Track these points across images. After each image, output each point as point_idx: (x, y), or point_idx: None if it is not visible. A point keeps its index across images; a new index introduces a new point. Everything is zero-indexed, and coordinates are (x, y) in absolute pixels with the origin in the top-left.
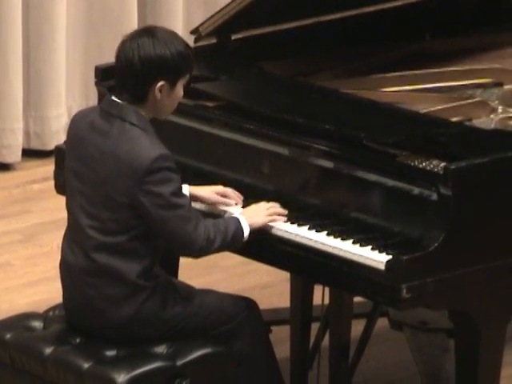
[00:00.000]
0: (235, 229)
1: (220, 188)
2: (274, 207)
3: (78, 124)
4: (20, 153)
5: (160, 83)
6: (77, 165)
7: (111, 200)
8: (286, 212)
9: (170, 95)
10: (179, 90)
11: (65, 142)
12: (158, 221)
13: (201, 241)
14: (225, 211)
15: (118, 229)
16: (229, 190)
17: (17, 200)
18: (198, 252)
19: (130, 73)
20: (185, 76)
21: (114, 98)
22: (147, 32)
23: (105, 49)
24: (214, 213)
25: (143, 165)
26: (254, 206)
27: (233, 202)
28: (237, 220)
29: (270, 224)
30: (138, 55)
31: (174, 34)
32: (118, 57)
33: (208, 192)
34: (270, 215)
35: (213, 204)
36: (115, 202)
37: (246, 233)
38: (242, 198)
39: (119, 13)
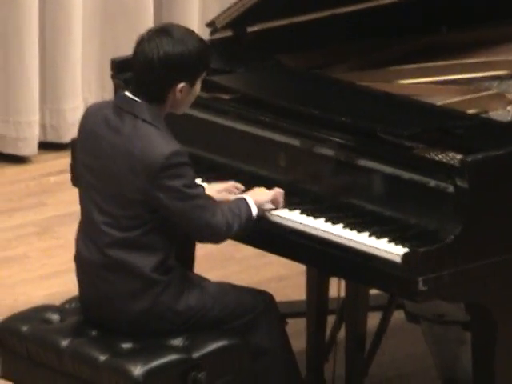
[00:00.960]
0: (246, 211)
1: (222, 186)
2: (278, 191)
3: (91, 118)
4: (36, 145)
5: (181, 85)
6: (90, 159)
7: (124, 197)
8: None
9: (189, 93)
10: (198, 86)
11: (77, 135)
12: (176, 213)
13: (220, 227)
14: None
15: (131, 224)
16: (230, 186)
17: (33, 192)
18: (219, 238)
19: (150, 74)
20: (203, 73)
21: (127, 93)
22: (164, 31)
23: (121, 41)
24: None
25: (157, 162)
26: (255, 188)
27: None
28: (245, 201)
29: (286, 216)
30: (157, 56)
31: (190, 32)
32: (136, 56)
33: (212, 192)
34: (273, 196)
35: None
36: (128, 198)
37: (255, 212)
38: (243, 188)
39: (135, 5)
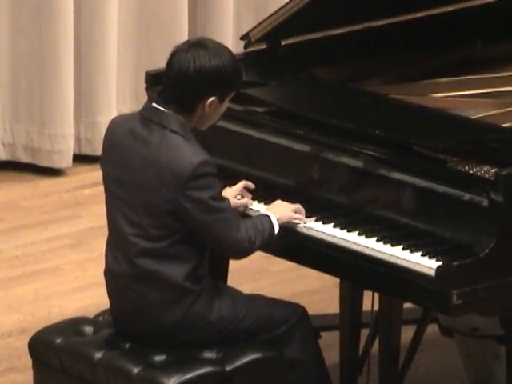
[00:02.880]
0: (269, 228)
1: (235, 189)
2: (298, 207)
3: (116, 130)
4: (71, 158)
5: (211, 99)
6: (118, 172)
7: (153, 207)
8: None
9: (216, 109)
10: (225, 105)
11: (102, 147)
12: (202, 225)
13: (244, 243)
14: (247, 208)
15: (161, 234)
16: (241, 186)
17: (67, 205)
18: (241, 254)
19: (183, 84)
20: (234, 90)
21: (154, 104)
22: (200, 44)
23: (155, 54)
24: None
25: (186, 171)
26: (278, 202)
27: (250, 201)
28: (268, 218)
29: (319, 229)
30: (193, 67)
31: (225, 47)
32: (170, 66)
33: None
34: (294, 211)
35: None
36: (157, 208)
37: (277, 229)
38: (253, 186)
39: (170, 18)
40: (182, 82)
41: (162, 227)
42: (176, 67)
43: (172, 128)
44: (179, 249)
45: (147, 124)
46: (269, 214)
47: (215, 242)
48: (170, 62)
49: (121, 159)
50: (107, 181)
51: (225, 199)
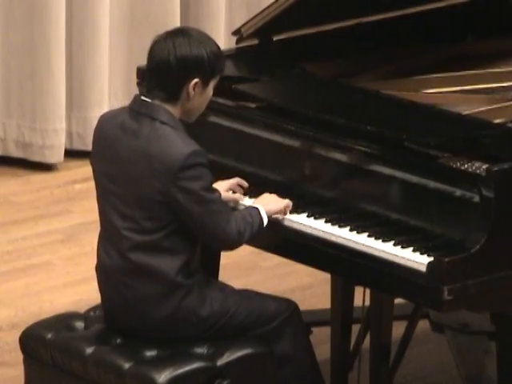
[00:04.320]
0: (258, 220)
1: (228, 183)
2: (287, 200)
3: (106, 125)
4: (62, 153)
5: (194, 80)
6: (108, 166)
7: (145, 199)
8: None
9: (201, 94)
10: (210, 91)
11: (92, 143)
12: (192, 216)
13: (233, 235)
14: (238, 203)
15: (153, 227)
16: (234, 182)
17: (58, 200)
18: (230, 245)
19: (166, 71)
20: (217, 76)
21: (143, 97)
22: (181, 32)
23: (147, 49)
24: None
25: (177, 162)
26: (266, 195)
27: (241, 196)
28: (257, 211)
29: (311, 225)
30: (174, 55)
31: (206, 35)
32: (151, 57)
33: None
34: (282, 204)
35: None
36: (149, 200)
37: (265, 222)
38: (247, 185)
39: (162, 13)
40: (164, 69)
41: (154, 219)
42: (157, 56)
43: (161, 119)
44: (171, 242)
45: (136, 117)
46: (258, 206)
47: (205, 233)
48: (150, 51)
49: (111, 153)
50: (98, 176)
51: (216, 190)
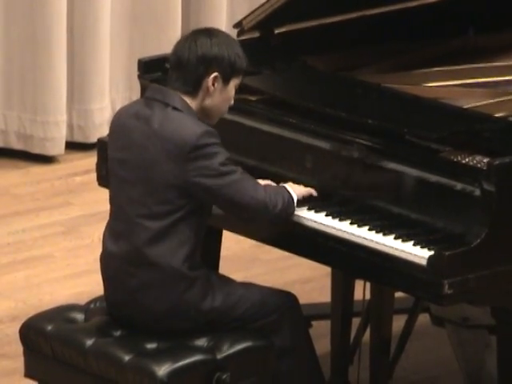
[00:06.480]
0: (288, 194)
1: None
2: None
3: (121, 116)
4: (63, 145)
5: (214, 74)
6: (122, 153)
7: (157, 182)
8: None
9: (221, 92)
10: (231, 90)
11: (108, 135)
12: (218, 191)
13: (265, 201)
14: None
15: (163, 211)
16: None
17: (59, 192)
18: (264, 214)
19: (186, 65)
20: (238, 75)
21: (158, 85)
22: (206, 32)
23: (148, 42)
24: None
25: (190, 142)
26: (289, 183)
27: None
28: (284, 187)
29: (312, 218)
30: (195, 51)
31: (232, 38)
32: (173, 52)
33: None
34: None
35: None
36: (161, 183)
37: (295, 198)
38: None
39: (163, 6)
40: (183, 61)
41: (165, 203)
42: (180, 54)
43: (174, 105)
44: (179, 230)
45: (150, 104)
46: (284, 184)
47: (235, 205)
48: (174, 48)
49: (125, 141)
50: (111, 163)
51: (234, 164)
